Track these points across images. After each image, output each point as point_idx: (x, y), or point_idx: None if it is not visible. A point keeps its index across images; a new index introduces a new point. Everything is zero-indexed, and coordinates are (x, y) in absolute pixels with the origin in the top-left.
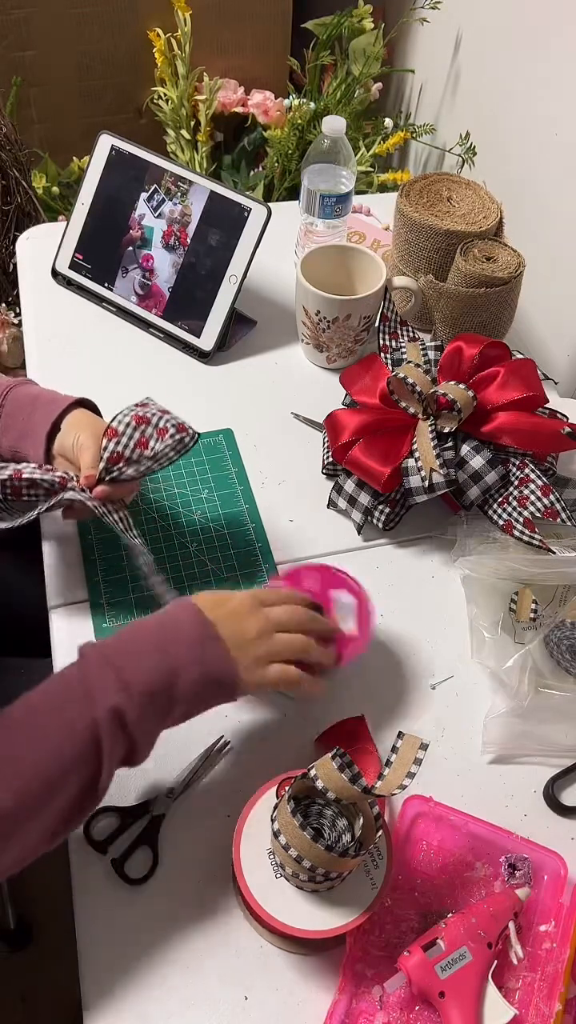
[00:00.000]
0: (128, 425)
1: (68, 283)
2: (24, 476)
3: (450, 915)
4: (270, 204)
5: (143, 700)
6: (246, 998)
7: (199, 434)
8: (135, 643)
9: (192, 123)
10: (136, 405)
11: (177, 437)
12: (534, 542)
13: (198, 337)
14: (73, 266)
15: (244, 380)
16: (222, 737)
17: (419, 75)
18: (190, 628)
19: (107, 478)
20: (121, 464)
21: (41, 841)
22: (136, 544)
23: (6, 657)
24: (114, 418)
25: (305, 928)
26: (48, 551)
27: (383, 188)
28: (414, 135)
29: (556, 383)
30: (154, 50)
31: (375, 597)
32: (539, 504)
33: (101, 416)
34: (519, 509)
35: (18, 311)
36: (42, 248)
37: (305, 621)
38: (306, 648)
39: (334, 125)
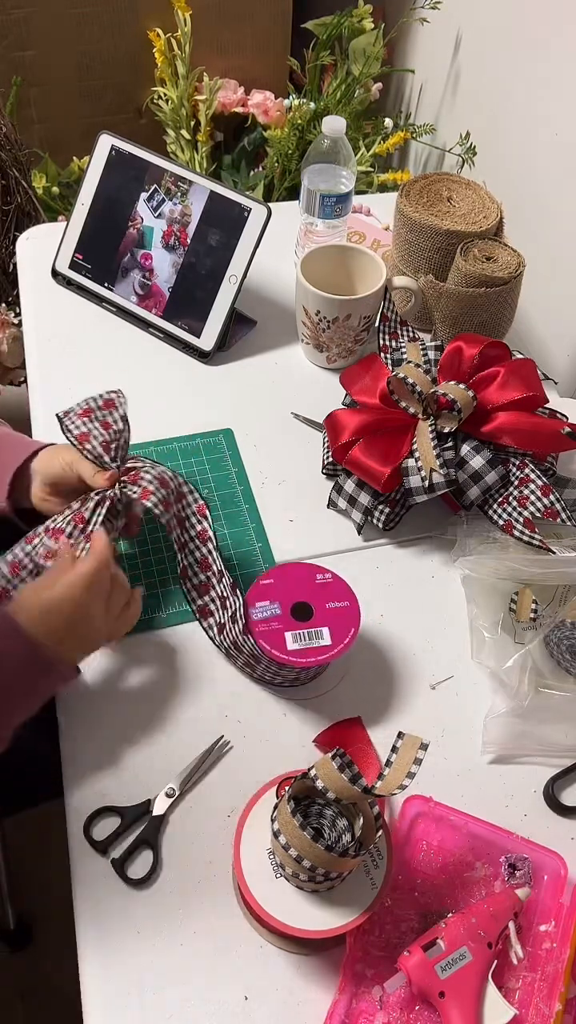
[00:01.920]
0: (85, 423)
1: (68, 283)
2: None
3: (450, 915)
4: (270, 204)
5: None
6: (246, 998)
7: (120, 390)
8: None
9: (192, 123)
10: (65, 414)
11: (120, 399)
12: (534, 542)
13: (198, 337)
14: (73, 266)
15: (244, 380)
16: (222, 737)
17: (419, 75)
18: (16, 662)
19: (119, 463)
20: (112, 447)
21: None
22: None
23: None
24: (72, 429)
25: (305, 928)
26: None
27: (383, 188)
28: (414, 135)
29: (556, 383)
30: (154, 50)
31: (375, 597)
32: (539, 504)
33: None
34: (519, 509)
35: (18, 311)
36: (42, 248)
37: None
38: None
39: (334, 125)
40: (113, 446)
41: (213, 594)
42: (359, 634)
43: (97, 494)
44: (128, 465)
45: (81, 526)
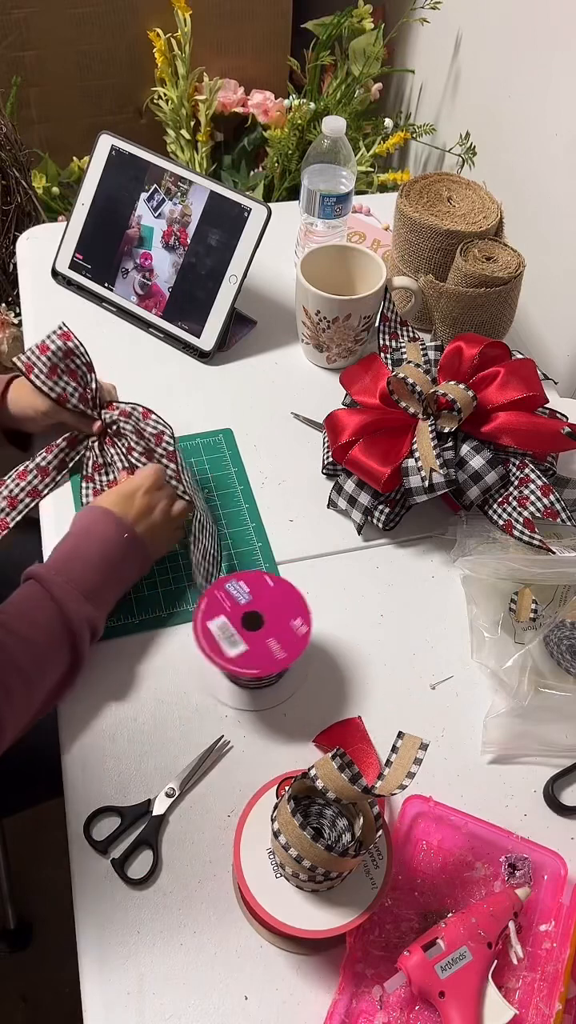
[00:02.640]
0: (57, 383)
1: (68, 283)
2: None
3: (450, 915)
4: (270, 204)
5: (98, 600)
6: (246, 998)
7: (62, 322)
8: (75, 559)
9: (192, 123)
10: (28, 370)
11: (71, 343)
12: (534, 542)
13: (198, 337)
14: (73, 266)
15: (244, 380)
16: (222, 737)
17: (419, 75)
18: (103, 528)
19: (100, 409)
20: (90, 397)
21: (41, 706)
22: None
23: None
24: (46, 390)
25: (305, 928)
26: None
27: (383, 188)
28: (414, 135)
29: (556, 383)
30: (154, 50)
31: (375, 597)
32: (539, 504)
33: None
34: (519, 509)
35: (18, 311)
36: (42, 248)
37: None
38: (186, 509)
39: (334, 125)
40: (90, 396)
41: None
42: (359, 633)
43: (81, 438)
44: (115, 405)
45: (94, 468)
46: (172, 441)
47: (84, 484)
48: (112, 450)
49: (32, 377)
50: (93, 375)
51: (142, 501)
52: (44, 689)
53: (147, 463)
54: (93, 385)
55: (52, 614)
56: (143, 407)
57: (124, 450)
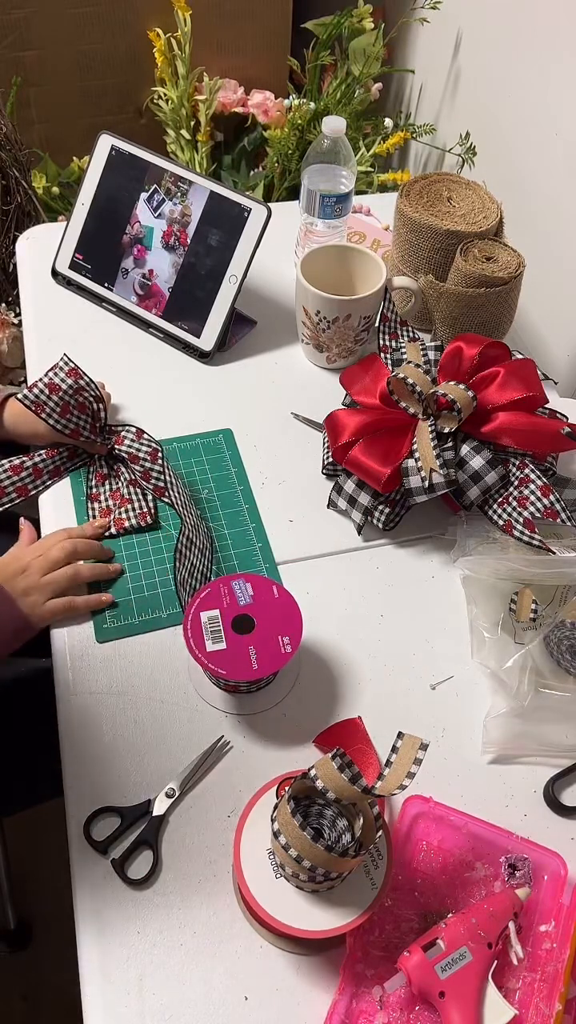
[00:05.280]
0: (71, 420)
1: (68, 283)
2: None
3: (450, 915)
4: (270, 204)
5: None
6: (246, 998)
7: (64, 354)
8: None
9: (192, 123)
10: (39, 406)
11: (82, 380)
12: (534, 542)
13: (198, 337)
14: (73, 266)
15: (244, 380)
16: (222, 737)
17: (419, 75)
18: None
19: (106, 433)
20: (98, 425)
21: None
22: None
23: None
24: (60, 427)
25: (305, 928)
26: None
27: (383, 188)
28: (414, 135)
29: (556, 383)
30: (154, 50)
31: (375, 597)
32: (539, 504)
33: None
34: (519, 509)
35: (18, 311)
36: (42, 248)
37: (72, 552)
38: (73, 578)
39: (334, 125)
40: (98, 424)
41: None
42: (359, 633)
43: (93, 457)
44: (111, 429)
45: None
46: (164, 458)
47: (89, 503)
48: (113, 467)
49: (44, 416)
50: (102, 405)
51: (13, 568)
52: None
53: (142, 478)
54: (102, 415)
55: None
56: (136, 428)
57: (125, 466)
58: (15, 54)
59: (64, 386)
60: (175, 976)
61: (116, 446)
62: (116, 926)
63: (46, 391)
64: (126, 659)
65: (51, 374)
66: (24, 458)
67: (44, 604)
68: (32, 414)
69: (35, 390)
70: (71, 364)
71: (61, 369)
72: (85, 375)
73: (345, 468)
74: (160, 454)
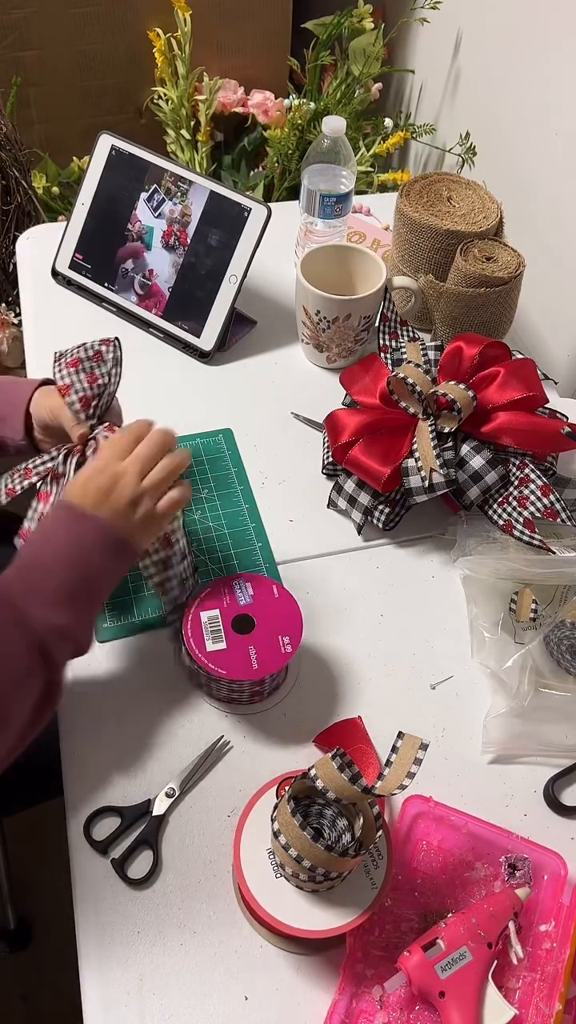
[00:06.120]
0: (71, 374)
1: (68, 283)
2: (33, 474)
3: (450, 915)
4: (270, 204)
5: (70, 605)
6: (246, 998)
7: (118, 338)
8: (36, 567)
9: (192, 123)
10: (57, 359)
11: (109, 353)
12: (534, 542)
13: (198, 337)
14: (73, 266)
15: (244, 380)
16: (222, 737)
17: (419, 75)
18: (67, 525)
19: (95, 421)
20: (93, 403)
21: (16, 741)
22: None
23: None
24: (58, 378)
25: (305, 928)
26: None
27: (383, 188)
28: (414, 135)
29: (556, 383)
30: (154, 50)
31: (375, 597)
32: (539, 504)
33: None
34: (519, 509)
35: (18, 311)
36: (42, 248)
37: (162, 443)
38: (178, 466)
39: (334, 125)
40: (94, 402)
41: (171, 572)
42: (359, 633)
43: (66, 448)
44: (108, 423)
45: (52, 479)
46: None
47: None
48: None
49: (55, 369)
50: (108, 390)
51: (107, 481)
52: (14, 730)
53: None
54: (104, 399)
55: (12, 637)
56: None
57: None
58: (15, 54)
59: (88, 343)
60: (175, 976)
61: (100, 432)
62: (116, 926)
63: (74, 346)
64: (126, 659)
65: (96, 341)
66: (27, 463)
67: (156, 508)
68: (45, 405)
69: (69, 349)
70: (115, 340)
71: (103, 339)
72: (117, 350)
73: (345, 468)
74: None
